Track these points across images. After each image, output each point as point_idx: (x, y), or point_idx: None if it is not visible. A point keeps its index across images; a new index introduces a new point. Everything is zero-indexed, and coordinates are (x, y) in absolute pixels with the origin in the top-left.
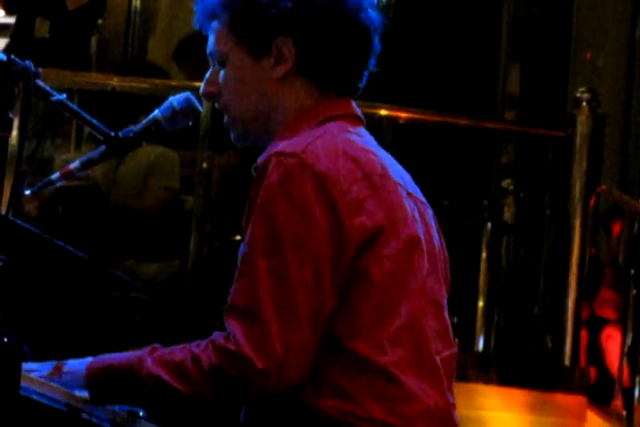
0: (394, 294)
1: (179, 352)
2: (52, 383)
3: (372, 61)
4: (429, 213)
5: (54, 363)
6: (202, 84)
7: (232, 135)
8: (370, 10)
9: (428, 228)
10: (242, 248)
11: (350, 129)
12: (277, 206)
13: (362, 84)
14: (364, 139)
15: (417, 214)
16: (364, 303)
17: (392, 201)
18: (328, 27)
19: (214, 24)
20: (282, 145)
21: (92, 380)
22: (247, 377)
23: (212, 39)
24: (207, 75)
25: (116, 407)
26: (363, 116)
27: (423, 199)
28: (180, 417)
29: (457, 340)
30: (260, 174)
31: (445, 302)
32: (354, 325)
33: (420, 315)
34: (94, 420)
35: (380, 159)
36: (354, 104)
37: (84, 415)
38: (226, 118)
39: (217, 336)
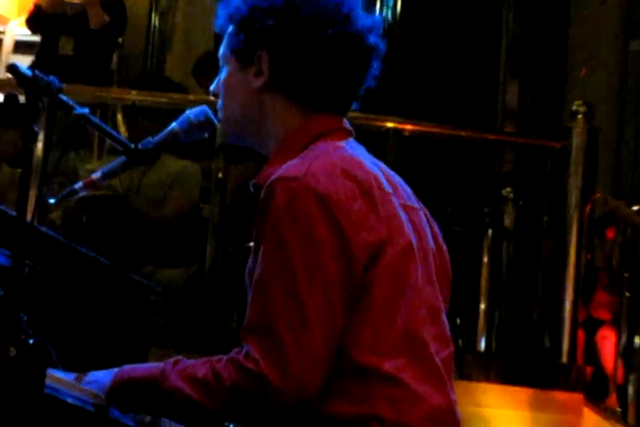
0: (391, 305)
1: (200, 368)
2: (79, 385)
3: (365, 79)
4: (422, 217)
5: (75, 375)
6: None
7: (222, 133)
8: (362, 33)
9: (421, 234)
10: (249, 266)
11: (341, 144)
12: (285, 230)
13: (353, 101)
14: (355, 151)
15: (409, 223)
16: (365, 315)
17: (389, 213)
18: (307, 48)
19: (229, 29)
20: (283, 170)
21: (117, 390)
22: (266, 394)
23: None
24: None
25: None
26: (351, 129)
27: (414, 203)
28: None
29: (460, 340)
30: (264, 199)
31: (442, 305)
32: (357, 336)
33: (417, 322)
34: (120, 419)
35: (374, 171)
36: (341, 119)
37: (111, 415)
38: (219, 116)
39: (236, 354)
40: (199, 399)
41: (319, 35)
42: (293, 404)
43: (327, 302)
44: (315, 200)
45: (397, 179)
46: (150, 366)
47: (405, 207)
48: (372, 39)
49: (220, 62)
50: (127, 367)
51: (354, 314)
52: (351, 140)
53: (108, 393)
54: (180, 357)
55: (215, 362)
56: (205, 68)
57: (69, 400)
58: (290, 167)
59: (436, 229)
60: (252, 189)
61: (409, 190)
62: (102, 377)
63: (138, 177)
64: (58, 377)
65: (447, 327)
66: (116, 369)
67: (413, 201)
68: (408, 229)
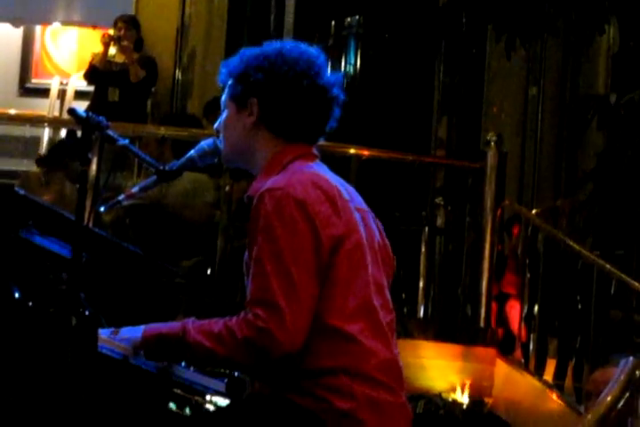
0: (351, 281)
1: (215, 325)
2: (113, 341)
3: (330, 120)
4: (371, 217)
5: (112, 329)
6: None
7: (222, 157)
8: (328, 86)
9: (370, 230)
10: (246, 257)
11: (310, 164)
12: (274, 226)
13: (321, 135)
14: (321, 169)
15: (361, 222)
16: (332, 289)
17: (346, 215)
18: (286, 96)
19: (229, 82)
20: (269, 183)
21: (147, 343)
22: (270, 346)
23: (224, 92)
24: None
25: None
26: (317, 153)
27: (364, 207)
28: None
29: (405, 309)
30: (257, 205)
31: (385, 282)
32: (327, 305)
33: (369, 294)
34: (143, 365)
35: (335, 184)
36: (311, 147)
37: (136, 362)
38: (221, 146)
39: (246, 315)
40: (214, 349)
41: (296, 86)
42: (287, 354)
43: (309, 278)
44: (295, 204)
45: (351, 189)
46: (173, 324)
47: (358, 210)
48: (335, 91)
49: (222, 107)
50: (152, 325)
51: (323, 288)
52: (318, 161)
53: (140, 345)
54: (194, 318)
55: (227, 321)
56: (212, 109)
57: (107, 352)
58: (274, 181)
59: (381, 226)
60: (245, 200)
61: (360, 197)
62: (133, 332)
63: (163, 188)
64: (102, 337)
65: (389, 299)
66: (142, 327)
67: (363, 205)
68: (360, 226)
